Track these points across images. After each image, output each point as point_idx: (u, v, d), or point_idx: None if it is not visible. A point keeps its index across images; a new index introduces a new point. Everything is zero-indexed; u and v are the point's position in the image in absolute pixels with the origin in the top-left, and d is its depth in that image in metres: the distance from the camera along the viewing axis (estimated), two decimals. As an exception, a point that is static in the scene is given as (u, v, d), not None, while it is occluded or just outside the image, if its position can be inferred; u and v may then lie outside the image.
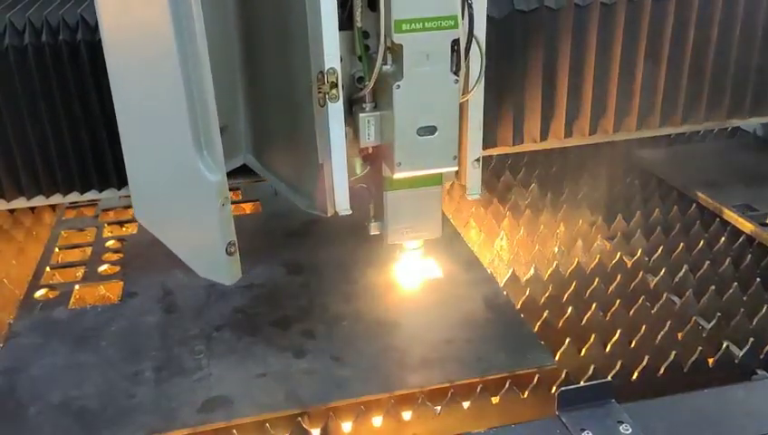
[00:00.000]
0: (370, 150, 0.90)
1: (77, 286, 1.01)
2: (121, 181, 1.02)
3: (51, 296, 0.99)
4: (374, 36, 0.83)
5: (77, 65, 0.97)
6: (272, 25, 0.91)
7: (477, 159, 0.95)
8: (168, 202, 0.84)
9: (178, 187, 0.81)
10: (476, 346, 0.86)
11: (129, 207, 1.27)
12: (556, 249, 1.14)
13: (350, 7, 0.80)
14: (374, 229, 0.95)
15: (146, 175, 0.86)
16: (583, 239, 1.15)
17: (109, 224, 1.21)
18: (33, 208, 1.26)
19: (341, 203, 0.90)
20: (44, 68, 0.96)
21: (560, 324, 0.94)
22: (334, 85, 0.84)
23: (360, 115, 0.85)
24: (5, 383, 0.81)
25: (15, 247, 1.19)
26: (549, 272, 1.06)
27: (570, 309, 0.95)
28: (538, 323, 0.93)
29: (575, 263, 1.08)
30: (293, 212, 1.21)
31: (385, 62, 0.81)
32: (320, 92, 0.84)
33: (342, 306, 0.95)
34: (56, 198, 1.05)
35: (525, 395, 0.81)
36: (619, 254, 1.09)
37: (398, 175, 0.84)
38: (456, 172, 0.99)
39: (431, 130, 0.82)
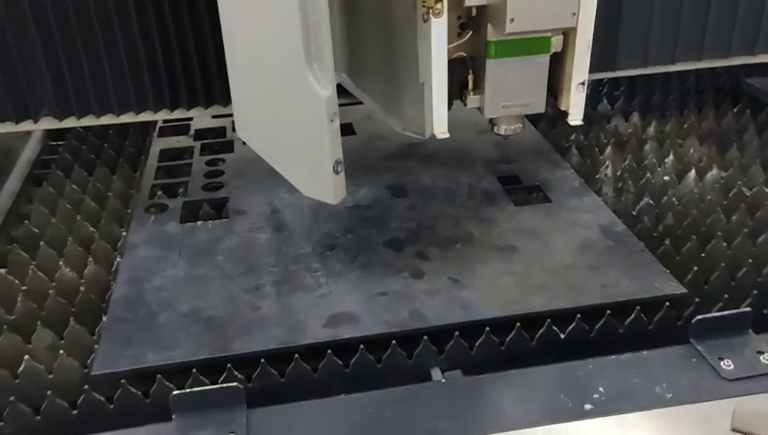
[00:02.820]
0: (474, 12, 0.84)
1: (184, 202, 1.02)
2: (228, 99, 1.00)
3: (159, 212, 1.00)
4: None
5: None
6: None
7: (582, 83, 0.91)
8: (274, 118, 0.81)
9: (285, 102, 0.78)
10: (599, 273, 0.83)
11: (223, 127, 1.26)
12: (667, 178, 1.09)
13: None
14: (472, 102, 0.90)
15: (250, 90, 0.83)
16: (696, 169, 1.10)
17: (204, 143, 1.21)
18: (126, 125, 1.26)
19: (440, 125, 0.87)
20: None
21: (679, 255, 0.90)
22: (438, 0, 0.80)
23: None
24: (133, 291, 0.82)
25: (115, 163, 1.20)
26: (663, 201, 1.01)
27: (692, 238, 0.91)
28: (657, 253, 0.90)
29: (690, 193, 1.04)
30: (390, 135, 1.19)
31: None
32: (424, 6, 0.80)
33: (452, 229, 0.93)
34: (162, 114, 1.04)
35: (652, 324, 0.79)
36: (738, 184, 1.04)
37: (509, 32, 0.79)
38: (556, 97, 0.95)
39: None
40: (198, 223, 0.96)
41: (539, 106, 0.92)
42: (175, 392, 0.66)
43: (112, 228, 1.00)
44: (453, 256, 0.88)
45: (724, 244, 0.91)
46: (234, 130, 1.23)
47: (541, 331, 0.77)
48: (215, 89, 0.99)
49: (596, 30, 1.01)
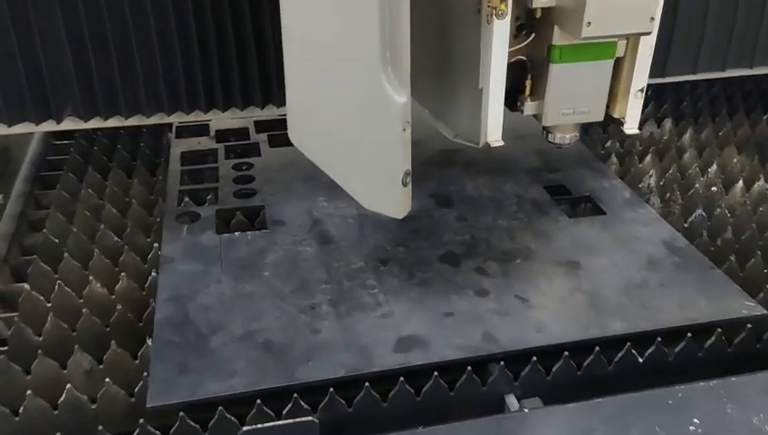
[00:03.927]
0: (538, 14, 0.80)
1: (217, 211, 0.95)
2: (266, 101, 0.94)
3: (191, 222, 0.93)
4: None
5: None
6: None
7: (641, 89, 0.88)
8: (337, 125, 0.75)
9: (353, 108, 0.72)
10: (672, 292, 0.79)
11: (245, 128, 1.19)
12: (714, 189, 1.06)
13: None
14: (529, 109, 0.85)
15: (310, 93, 0.77)
16: (742, 180, 1.07)
17: (228, 145, 1.14)
18: (142, 127, 1.18)
19: (494, 133, 0.83)
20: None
21: (744, 271, 0.87)
22: None
23: None
24: (178, 311, 0.75)
25: (130, 166, 1.12)
26: (716, 213, 0.98)
27: (757, 254, 0.88)
28: (722, 270, 0.86)
29: (742, 205, 1.01)
30: (426, 140, 1.13)
31: None
32: (489, 7, 0.76)
33: (509, 243, 0.89)
34: (194, 116, 0.97)
35: (731, 346, 0.75)
36: (790, 197, 1.01)
37: (585, 36, 0.74)
38: (608, 105, 0.92)
39: None
40: (237, 234, 0.90)
41: (599, 114, 0.88)
42: (245, 429, 0.60)
43: (139, 238, 0.93)
44: (515, 273, 0.83)
45: (788, 260, 0.88)
46: (257, 132, 1.18)
47: (620, 355, 0.73)
48: (254, 91, 0.92)
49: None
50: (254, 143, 1.14)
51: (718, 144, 1.20)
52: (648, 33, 0.80)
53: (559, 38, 0.81)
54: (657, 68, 1.04)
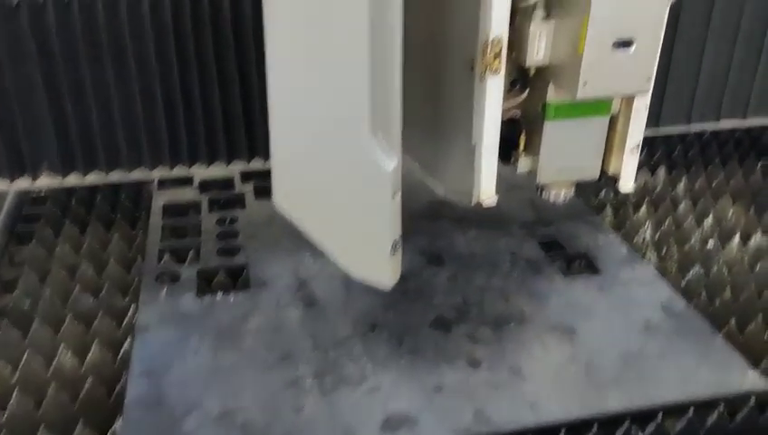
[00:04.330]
0: (532, 72, 0.78)
1: (198, 271, 0.91)
2: (251, 155, 0.91)
3: (171, 282, 0.89)
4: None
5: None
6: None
7: (637, 145, 0.86)
8: (323, 191, 0.73)
9: (340, 173, 0.69)
10: (672, 361, 0.76)
11: (230, 178, 1.16)
12: (711, 242, 1.03)
13: None
14: (523, 166, 0.84)
15: (297, 156, 0.74)
16: (738, 234, 1.05)
17: (212, 200, 1.10)
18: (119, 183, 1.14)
19: (487, 191, 0.81)
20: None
21: (743, 336, 0.84)
22: (497, 56, 0.74)
23: (531, 27, 0.73)
24: (151, 388, 0.71)
25: (111, 223, 1.08)
26: (714, 271, 0.96)
27: (758, 317, 0.85)
28: (722, 334, 0.83)
29: (739, 262, 0.98)
30: (412, 193, 1.10)
31: None
32: (483, 63, 0.74)
33: (502, 305, 0.85)
34: (179, 171, 0.94)
35: (733, 422, 0.72)
36: (789, 253, 0.99)
37: (581, 97, 0.73)
38: (603, 161, 0.90)
39: (627, 42, 0.71)
40: (218, 297, 0.86)
41: (594, 171, 0.86)
42: None
43: (115, 300, 0.89)
44: (508, 339, 0.79)
45: (792, 323, 0.85)
46: (243, 181, 1.15)
47: (619, 433, 0.69)
48: (239, 143, 0.90)
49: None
50: (240, 194, 1.11)
51: (712, 194, 1.18)
52: (646, 92, 0.78)
53: (553, 95, 0.79)
54: (652, 120, 1.02)
